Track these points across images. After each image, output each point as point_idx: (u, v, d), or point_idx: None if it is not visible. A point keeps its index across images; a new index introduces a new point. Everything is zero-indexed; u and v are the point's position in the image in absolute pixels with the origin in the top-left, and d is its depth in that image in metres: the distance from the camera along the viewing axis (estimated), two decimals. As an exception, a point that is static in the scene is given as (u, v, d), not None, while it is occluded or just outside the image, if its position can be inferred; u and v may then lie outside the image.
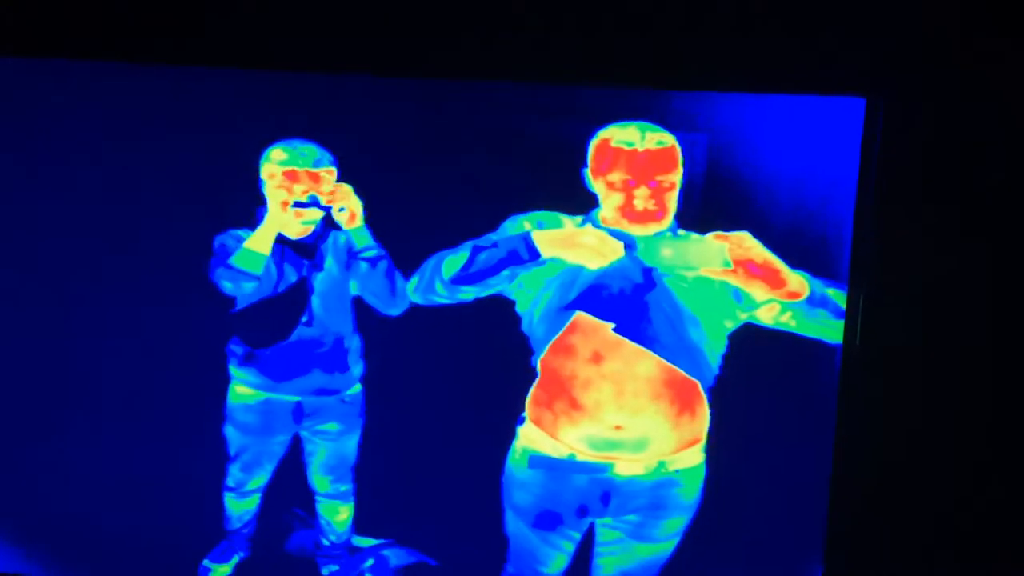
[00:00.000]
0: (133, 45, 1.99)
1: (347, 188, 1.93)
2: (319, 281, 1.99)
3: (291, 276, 1.99)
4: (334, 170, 1.95)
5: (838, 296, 1.83)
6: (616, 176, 1.80)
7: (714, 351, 1.87)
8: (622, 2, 1.85)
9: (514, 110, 1.86)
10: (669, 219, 1.84)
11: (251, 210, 1.97)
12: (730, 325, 1.86)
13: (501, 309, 1.89)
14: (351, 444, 2.04)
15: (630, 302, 1.84)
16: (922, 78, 1.81)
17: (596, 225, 1.85)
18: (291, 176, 1.94)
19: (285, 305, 2.00)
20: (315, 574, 2.09)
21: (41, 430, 2.09)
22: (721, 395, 1.88)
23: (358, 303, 2.00)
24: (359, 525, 2.05)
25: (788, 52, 1.83)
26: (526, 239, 1.82)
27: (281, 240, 1.98)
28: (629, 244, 1.82)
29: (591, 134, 1.83)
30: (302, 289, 1.99)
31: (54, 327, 2.06)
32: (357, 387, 2.03)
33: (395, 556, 2.02)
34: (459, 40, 1.89)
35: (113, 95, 1.98)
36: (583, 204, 1.85)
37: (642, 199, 1.80)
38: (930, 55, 1.81)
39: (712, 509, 1.91)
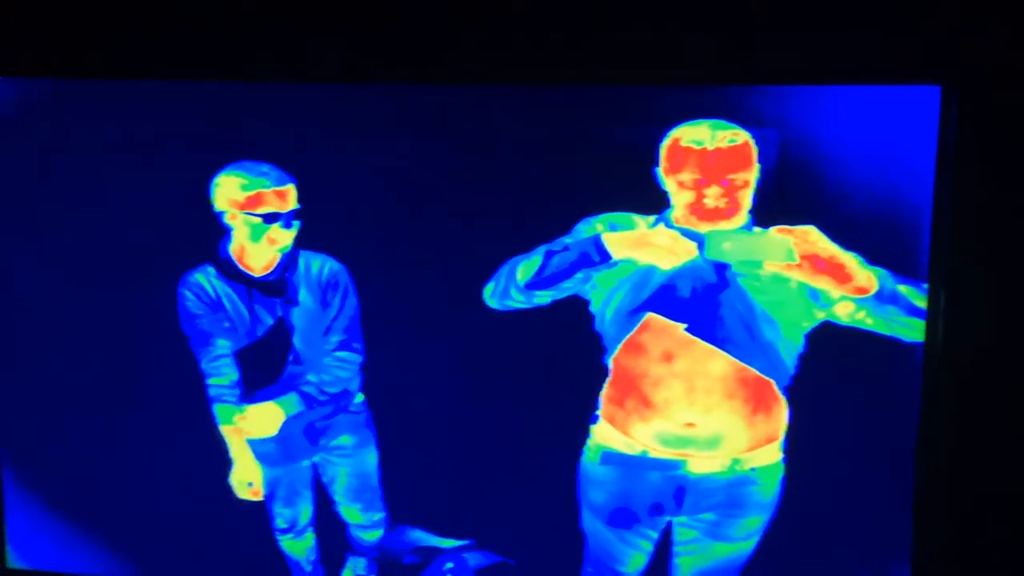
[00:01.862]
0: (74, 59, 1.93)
1: None
2: (297, 317, 1.90)
3: (266, 318, 1.90)
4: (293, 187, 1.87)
5: (911, 292, 1.79)
6: (686, 175, 1.78)
7: (790, 351, 1.85)
8: (688, 1, 1.82)
9: (586, 113, 1.84)
10: (743, 216, 1.81)
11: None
12: (807, 325, 1.83)
13: (574, 308, 1.89)
14: (370, 460, 1.99)
15: (702, 302, 1.83)
16: (998, 64, 1.74)
17: (669, 225, 1.83)
18: (257, 199, 1.85)
19: (272, 346, 1.92)
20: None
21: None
22: (800, 393, 1.86)
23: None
24: (441, 527, 2.05)
25: (858, 41, 1.78)
26: (596, 241, 1.82)
27: (248, 281, 1.89)
28: (702, 244, 1.81)
29: (663, 134, 1.81)
30: (283, 328, 1.90)
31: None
32: (360, 396, 1.99)
33: (474, 558, 2.04)
34: (535, 45, 1.87)
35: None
36: (657, 205, 1.84)
37: (713, 197, 1.78)
38: (1005, 39, 1.75)
39: (793, 508, 1.90)
